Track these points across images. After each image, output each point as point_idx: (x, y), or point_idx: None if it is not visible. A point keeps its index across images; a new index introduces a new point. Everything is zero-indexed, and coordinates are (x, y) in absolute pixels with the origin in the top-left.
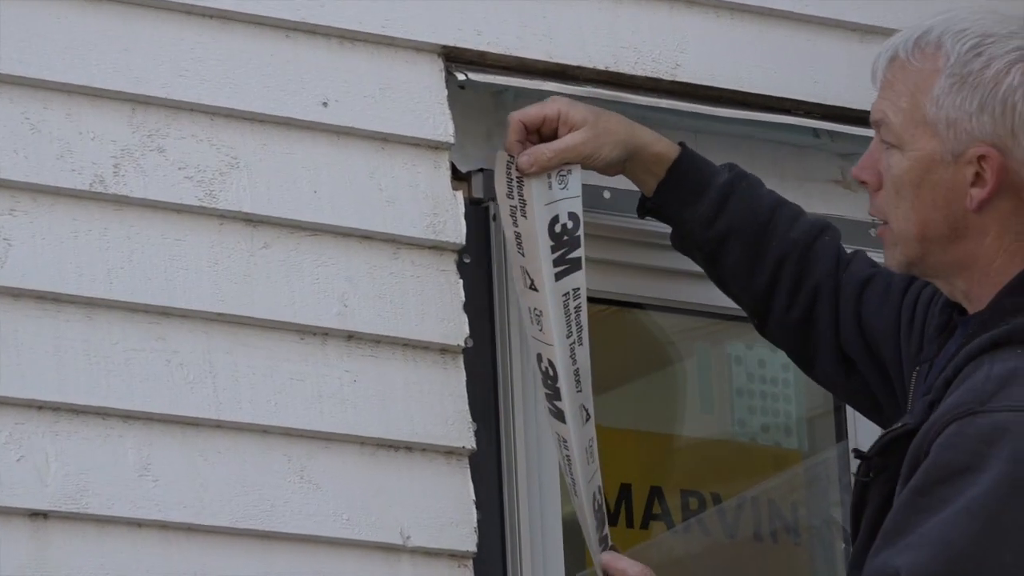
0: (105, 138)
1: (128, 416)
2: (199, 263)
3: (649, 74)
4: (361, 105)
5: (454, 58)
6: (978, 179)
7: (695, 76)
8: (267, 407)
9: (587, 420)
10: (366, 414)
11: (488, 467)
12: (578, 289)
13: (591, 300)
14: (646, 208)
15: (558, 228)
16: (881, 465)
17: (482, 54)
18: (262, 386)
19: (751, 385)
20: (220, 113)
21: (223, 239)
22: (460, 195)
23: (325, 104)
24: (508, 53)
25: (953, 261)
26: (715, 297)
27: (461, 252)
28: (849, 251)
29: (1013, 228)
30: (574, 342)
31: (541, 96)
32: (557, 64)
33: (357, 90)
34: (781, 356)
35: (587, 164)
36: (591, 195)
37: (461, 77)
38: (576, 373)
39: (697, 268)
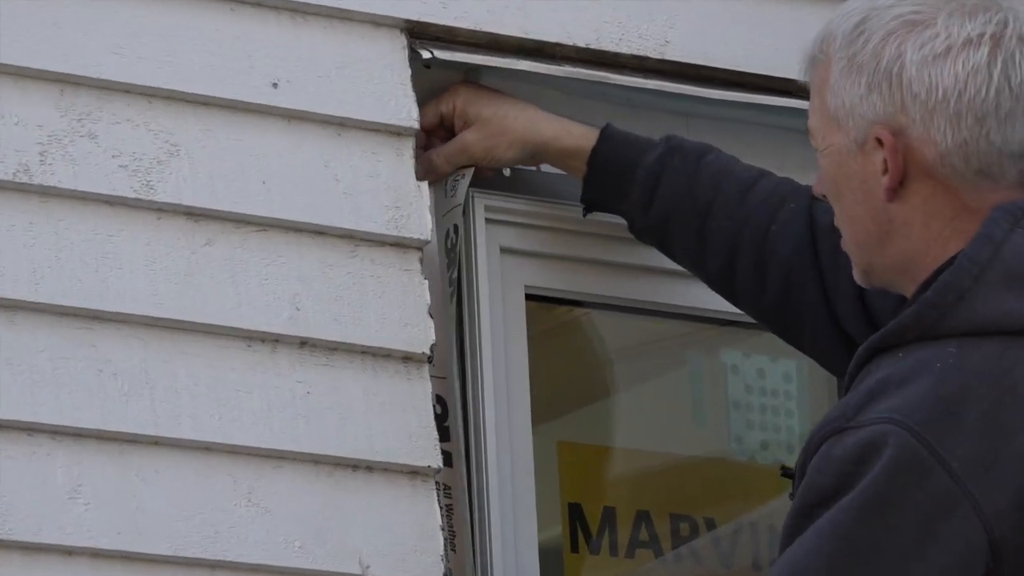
0: (30, 123)
1: (56, 432)
2: (135, 262)
3: (635, 52)
4: (315, 86)
5: (418, 34)
6: (887, 166)
7: (686, 54)
8: (210, 422)
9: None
10: (321, 430)
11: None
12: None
13: (570, 302)
14: (584, 203)
15: (448, 243)
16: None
17: (450, 29)
18: (205, 399)
19: (749, 397)
20: (158, 95)
21: (161, 235)
22: (425, 187)
23: (275, 85)
24: (479, 28)
25: (893, 264)
26: (708, 300)
27: (426, 250)
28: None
29: (939, 214)
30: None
31: (516, 76)
32: (533, 41)
33: (310, 70)
34: (782, 366)
35: (485, 165)
36: (560, 183)
37: (426, 55)
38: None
39: (696, 276)
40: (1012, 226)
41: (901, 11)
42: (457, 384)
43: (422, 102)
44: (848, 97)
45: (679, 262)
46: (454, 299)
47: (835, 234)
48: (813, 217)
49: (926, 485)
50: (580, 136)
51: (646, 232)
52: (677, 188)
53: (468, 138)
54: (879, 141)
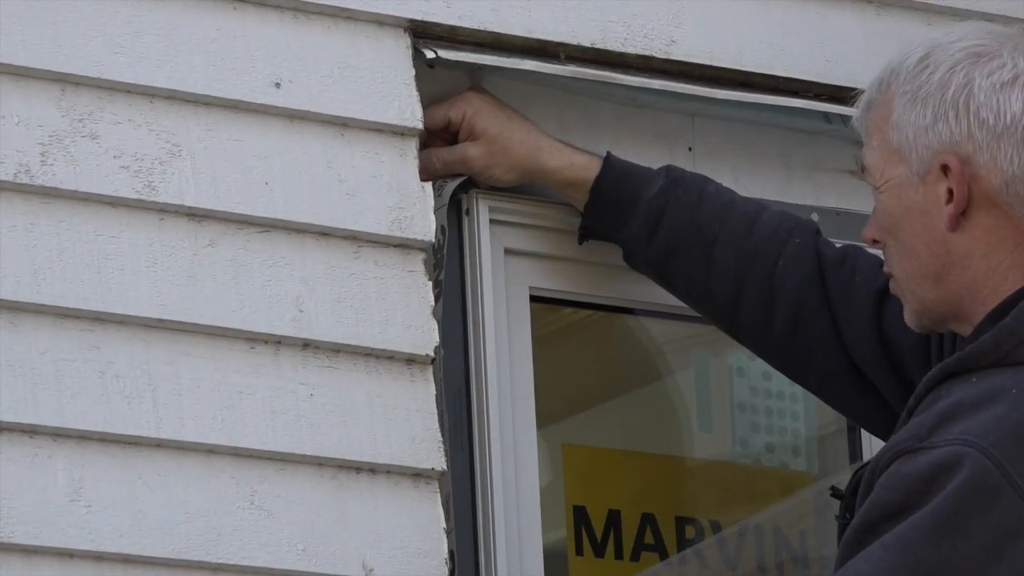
0: (31, 123)
1: (58, 434)
2: (137, 263)
3: (640, 51)
4: (318, 86)
5: (422, 33)
6: (951, 197)
7: (692, 54)
8: (213, 424)
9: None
10: (324, 432)
11: (460, 491)
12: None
13: (575, 304)
14: (582, 231)
15: (435, 243)
16: (856, 504)
17: (454, 29)
18: (208, 401)
19: (755, 400)
20: (160, 95)
21: (163, 236)
22: (429, 187)
23: (278, 85)
24: (482, 28)
25: (948, 299)
26: None
27: (430, 251)
28: (840, 246)
29: (1001, 244)
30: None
31: (520, 76)
32: (537, 40)
33: (313, 69)
34: None
35: (481, 180)
36: None
37: (430, 54)
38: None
39: (697, 312)
40: None
41: (966, 44)
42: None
43: (426, 102)
44: (912, 129)
45: (678, 295)
46: (440, 302)
47: (843, 269)
48: (820, 252)
49: (997, 507)
50: (582, 168)
51: (646, 263)
52: (681, 220)
53: (470, 152)
54: (944, 170)
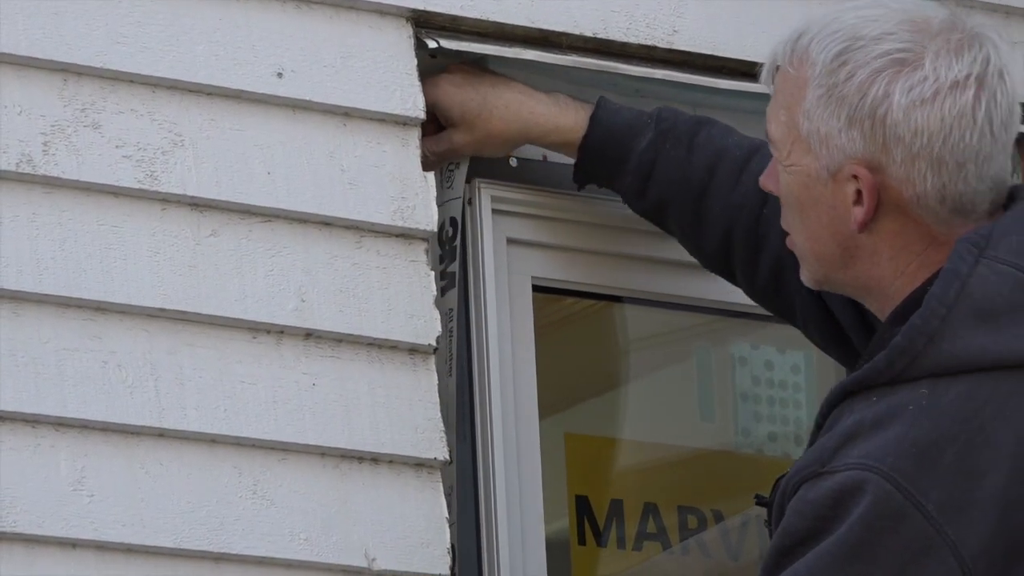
0: (33, 112)
1: (60, 424)
2: (139, 253)
3: (643, 41)
4: (320, 76)
5: (424, 23)
6: (859, 197)
7: (694, 44)
8: (215, 414)
9: (447, 463)
10: (326, 422)
11: (463, 481)
12: (452, 310)
13: (577, 294)
14: (576, 181)
15: (444, 235)
16: (772, 520)
17: (455, 19)
18: (210, 391)
19: (756, 389)
20: (162, 85)
21: (166, 226)
22: (431, 177)
23: (280, 75)
24: (485, 18)
25: (855, 283)
26: (716, 291)
27: (432, 240)
28: None
29: (908, 248)
30: (450, 362)
31: (522, 66)
32: (539, 30)
33: (315, 59)
34: (790, 357)
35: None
36: (567, 174)
37: (432, 44)
38: (438, 388)
39: (694, 259)
40: (976, 258)
41: (888, 48)
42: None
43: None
44: (824, 126)
45: (679, 241)
46: (447, 293)
47: None
48: None
49: (902, 530)
50: (568, 131)
51: (642, 214)
52: (670, 174)
53: (456, 139)
54: (854, 177)
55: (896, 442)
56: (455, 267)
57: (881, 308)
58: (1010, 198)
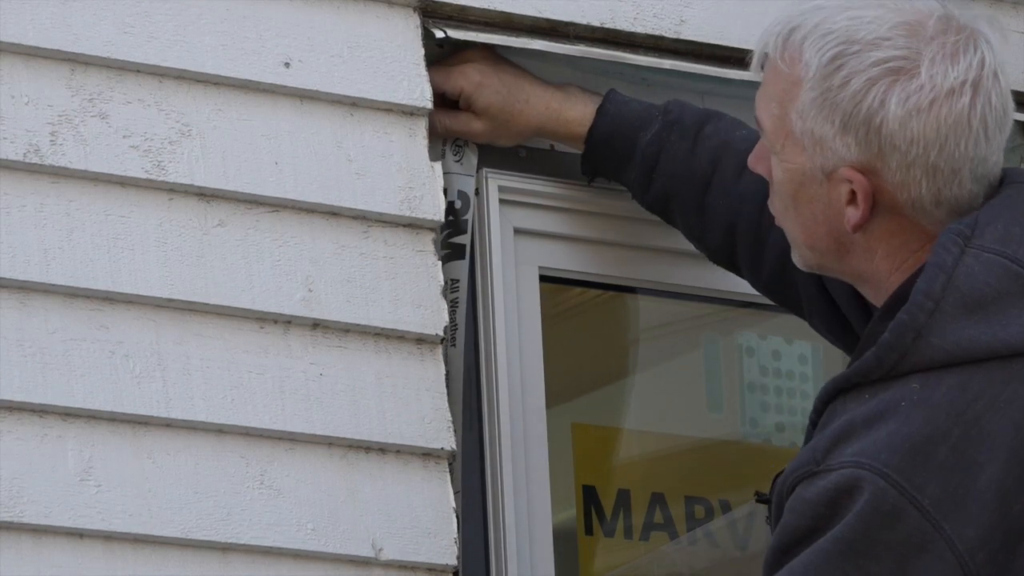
0: (41, 103)
1: (68, 414)
2: (146, 243)
3: (650, 31)
4: (327, 66)
5: (432, 13)
6: (853, 197)
7: (702, 33)
8: (223, 404)
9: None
10: (334, 412)
11: (470, 471)
12: (457, 281)
13: (584, 283)
14: (584, 173)
15: (450, 206)
16: (772, 517)
17: (463, 8)
18: (217, 381)
19: (764, 379)
20: (170, 75)
21: (173, 216)
22: (438, 167)
23: (287, 65)
24: (492, 7)
25: (850, 272)
26: (723, 281)
27: (439, 231)
28: None
29: (904, 245)
30: (444, 341)
31: (529, 56)
32: (546, 20)
33: (323, 49)
34: (797, 348)
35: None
36: (574, 164)
37: (439, 34)
38: (445, 377)
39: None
40: (962, 248)
41: (884, 56)
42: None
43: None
44: (819, 129)
45: (683, 235)
46: (451, 264)
47: None
48: None
49: (899, 527)
50: (576, 124)
51: (647, 207)
52: (675, 167)
53: (474, 127)
54: (849, 180)
55: (889, 439)
56: (465, 239)
57: (876, 297)
58: (1000, 183)
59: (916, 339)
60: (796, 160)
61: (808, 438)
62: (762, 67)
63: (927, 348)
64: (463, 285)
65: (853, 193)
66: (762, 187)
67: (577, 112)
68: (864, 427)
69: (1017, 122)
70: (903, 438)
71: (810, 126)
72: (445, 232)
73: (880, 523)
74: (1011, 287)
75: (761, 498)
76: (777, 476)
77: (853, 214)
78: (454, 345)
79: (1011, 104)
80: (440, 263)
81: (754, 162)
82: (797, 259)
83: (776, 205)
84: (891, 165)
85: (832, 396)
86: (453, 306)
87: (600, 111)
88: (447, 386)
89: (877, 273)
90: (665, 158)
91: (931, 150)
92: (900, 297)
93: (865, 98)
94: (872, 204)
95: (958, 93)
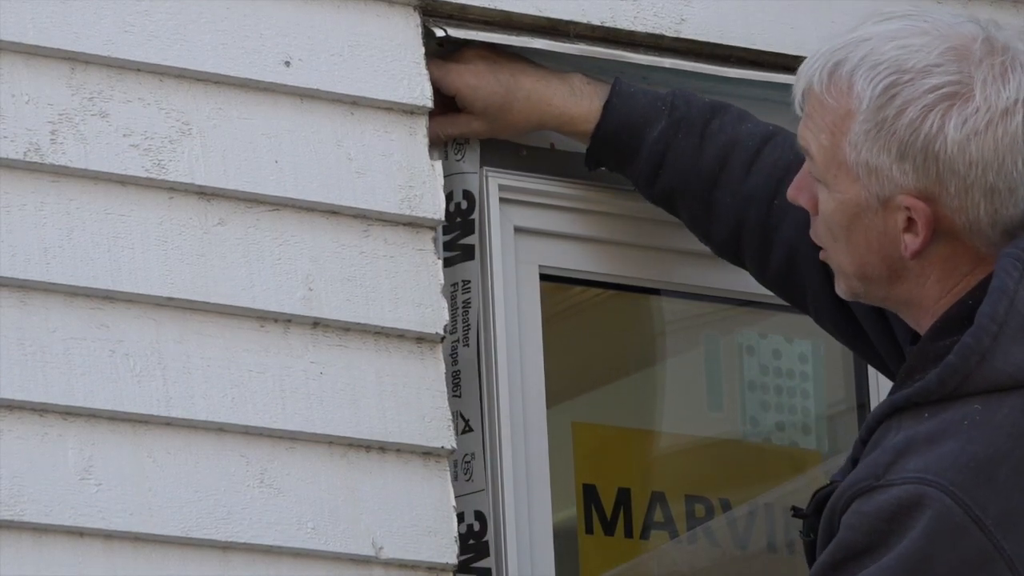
0: (41, 101)
1: (68, 413)
2: (147, 242)
3: (650, 30)
4: (328, 65)
5: (432, 12)
6: (911, 224)
7: (702, 32)
8: (223, 403)
9: (465, 431)
10: (334, 411)
11: None
12: (468, 282)
13: (584, 283)
14: (588, 165)
15: (451, 207)
16: (818, 524)
17: (463, 7)
18: (217, 379)
19: (764, 378)
20: (170, 74)
21: (173, 215)
22: (439, 166)
23: (287, 63)
24: (492, 6)
25: (898, 299)
26: (724, 280)
27: (439, 229)
28: None
29: (956, 269)
30: (458, 341)
31: (529, 55)
32: (547, 19)
33: (323, 48)
34: (798, 346)
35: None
36: (575, 163)
37: (440, 33)
38: (456, 376)
39: (702, 247)
40: (1021, 273)
41: (937, 82)
42: (442, 348)
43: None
44: (874, 160)
45: (689, 228)
46: (460, 265)
47: None
48: None
49: (961, 545)
50: (582, 121)
51: (652, 201)
52: (681, 164)
53: (475, 127)
54: (907, 207)
55: (953, 457)
56: (473, 240)
57: (918, 320)
58: None
59: (980, 362)
60: (849, 190)
61: (855, 455)
62: (801, 104)
63: (990, 371)
64: (475, 286)
65: (910, 220)
66: (770, 184)
67: (582, 108)
68: (926, 444)
69: None
70: (969, 457)
71: (864, 157)
72: (454, 234)
73: (944, 541)
74: None
75: (798, 513)
76: (818, 491)
77: (912, 241)
78: (467, 345)
79: None
80: (440, 262)
81: (795, 194)
82: (842, 289)
83: (823, 236)
84: (950, 190)
85: (888, 414)
86: (466, 307)
87: (606, 108)
88: (460, 386)
89: (926, 298)
90: (672, 155)
91: (989, 171)
92: (953, 318)
93: (922, 125)
94: (931, 230)
95: (1011, 112)
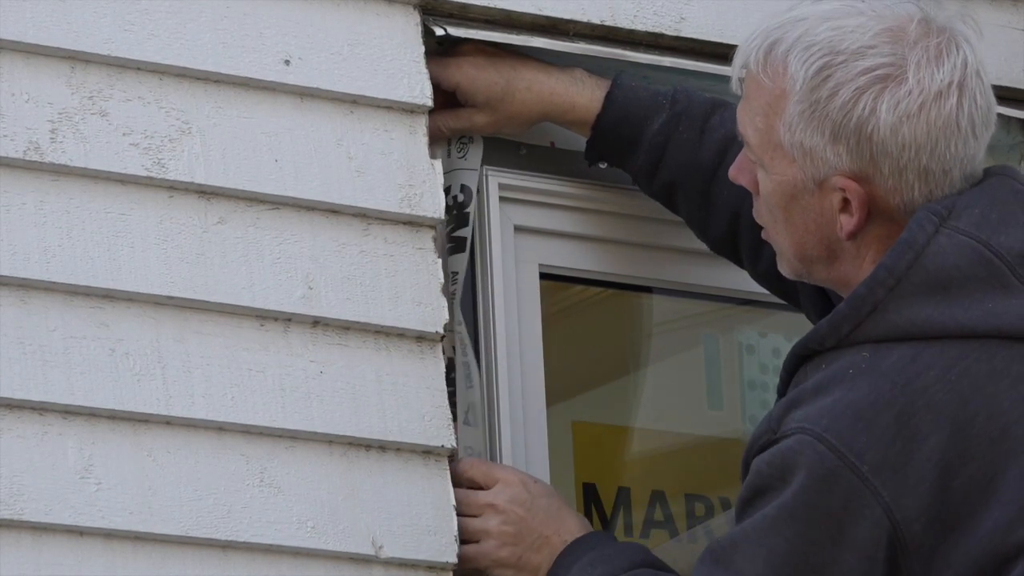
0: (41, 100)
1: (68, 412)
2: (146, 240)
3: (650, 29)
4: (327, 63)
5: (432, 10)
6: (846, 205)
7: (702, 31)
8: (223, 402)
9: (462, 421)
10: (334, 410)
11: None
12: (456, 274)
13: (584, 281)
14: (588, 159)
15: (449, 200)
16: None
17: (463, 6)
18: (217, 378)
19: (764, 377)
20: (170, 72)
21: (173, 213)
22: (438, 164)
23: (287, 62)
24: (492, 5)
25: (838, 279)
26: (723, 279)
27: (439, 228)
28: None
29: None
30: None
31: (529, 53)
32: (547, 18)
33: (323, 46)
34: None
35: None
36: (575, 161)
37: (440, 31)
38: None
39: (701, 246)
40: (936, 228)
41: (870, 64)
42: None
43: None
44: (808, 140)
45: (686, 223)
46: (453, 256)
47: None
48: None
49: (836, 490)
50: (584, 111)
51: (651, 196)
52: (681, 157)
53: (477, 120)
54: (842, 188)
55: (833, 405)
56: (466, 232)
57: None
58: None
59: (872, 312)
60: (785, 172)
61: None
62: (741, 83)
63: (882, 322)
64: (461, 278)
65: (845, 201)
66: None
67: (584, 99)
68: (813, 394)
69: (1018, 120)
70: (846, 404)
71: (799, 138)
72: (449, 226)
73: (818, 487)
74: (979, 272)
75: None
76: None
77: (847, 221)
78: (449, 331)
79: (994, 101)
80: (440, 261)
81: (736, 174)
82: (784, 268)
83: (764, 216)
84: (884, 171)
85: (795, 364)
86: (452, 297)
87: (608, 98)
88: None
89: (862, 275)
90: (672, 148)
91: (923, 153)
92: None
93: (855, 107)
94: (867, 211)
95: (945, 95)
